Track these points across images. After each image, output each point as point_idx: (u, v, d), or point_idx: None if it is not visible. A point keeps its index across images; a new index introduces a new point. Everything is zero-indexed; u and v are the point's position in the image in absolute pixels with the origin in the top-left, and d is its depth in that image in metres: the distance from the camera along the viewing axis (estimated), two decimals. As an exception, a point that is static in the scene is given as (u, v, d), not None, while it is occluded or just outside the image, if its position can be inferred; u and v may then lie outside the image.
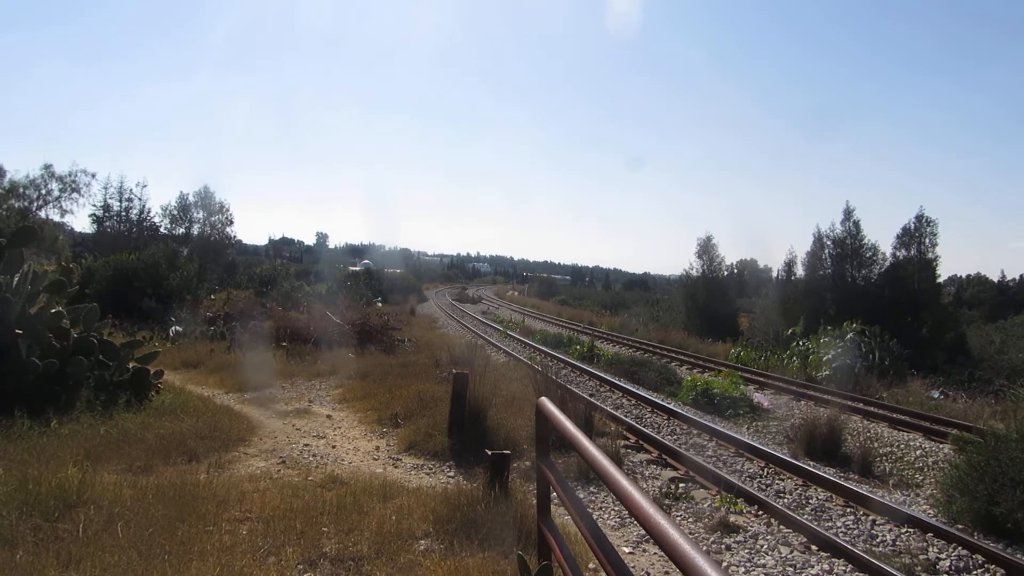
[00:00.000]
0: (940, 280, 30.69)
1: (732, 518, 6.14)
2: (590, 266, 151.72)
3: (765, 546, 5.61)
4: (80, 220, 72.40)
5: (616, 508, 6.21)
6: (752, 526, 6.06)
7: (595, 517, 4.52)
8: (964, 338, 27.44)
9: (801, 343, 19.81)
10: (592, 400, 10.79)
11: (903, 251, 28.97)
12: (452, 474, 6.83)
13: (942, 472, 7.93)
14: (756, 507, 6.56)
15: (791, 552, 5.51)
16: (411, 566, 4.02)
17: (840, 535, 5.99)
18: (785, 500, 7.00)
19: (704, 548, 5.36)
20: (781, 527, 6.08)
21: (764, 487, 7.42)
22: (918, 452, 9.55)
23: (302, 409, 9.48)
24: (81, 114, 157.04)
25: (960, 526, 6.50)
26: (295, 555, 4.03)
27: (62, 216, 39.14)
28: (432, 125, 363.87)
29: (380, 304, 30.17)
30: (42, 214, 37.68)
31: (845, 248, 29.41)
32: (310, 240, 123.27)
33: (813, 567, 5.23)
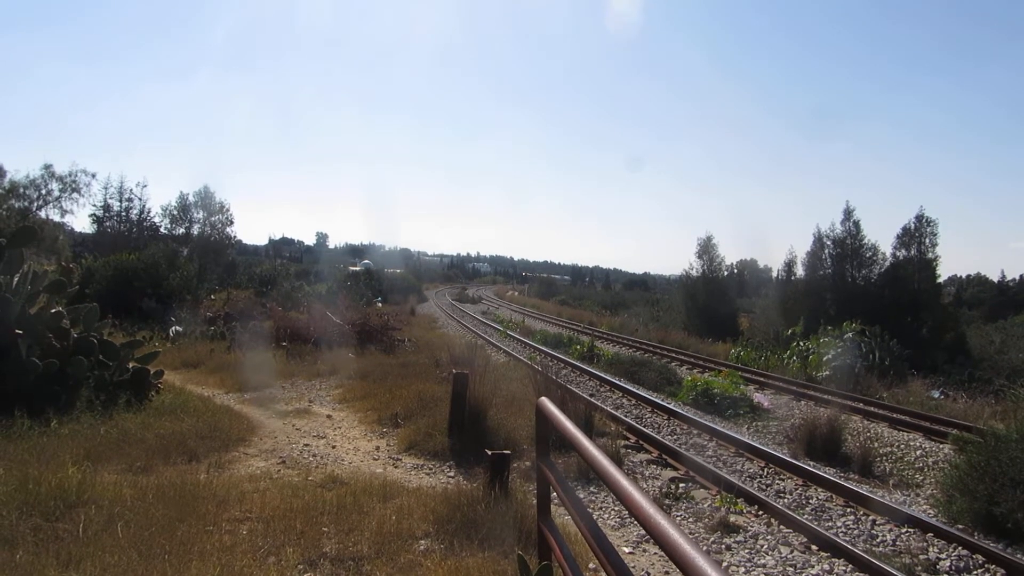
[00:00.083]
0: (940, 280, 30.72)
1: (732, 518, 6.14)
2: (590, 266, 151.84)
3: (765, 546, 5.61)
4: (80, 220, 72.54)
5: (616, 508, 6.21)
6: (752, 526, 6.06)
7: (595, 517, 4.52)
8: (964, 338, 27.45)
9: (801, 343, 19.81)
10: (592, 400, 10.79)
11: (903, 251, 28.99)
12: (452, 474, 6.83)
13: (942, 472, 7.93)
14: (756, 507, 6.56)
15: (791, 552, 5.51)
16: (411, 566, 4.02)
17: (840, 535, 5.99)
18: (785, 500, 7.00)
19: (704, 548, 5.36)
20: (781, 527, 6.08)
21: (764, 487, 7.42)
22: (918, 452, 9.55)
23: (302, 409, 9.48)
24: (81, 114, 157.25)
25: (960, 526, 6.50)
26: (295, 555, 4.03)
27: (62, 216, 39.22)
28: (432, 125, 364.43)
29: (380, 304, 30.16)
30: (42, 214, 37.74)
31: (845, 248, 29.41)
32: (310, 240, 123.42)
33: (813, 567, 5.23)
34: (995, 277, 59.00)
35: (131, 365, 8.40)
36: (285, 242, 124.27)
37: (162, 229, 42.37)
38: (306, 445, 7.52)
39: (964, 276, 59.52)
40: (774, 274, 36.62)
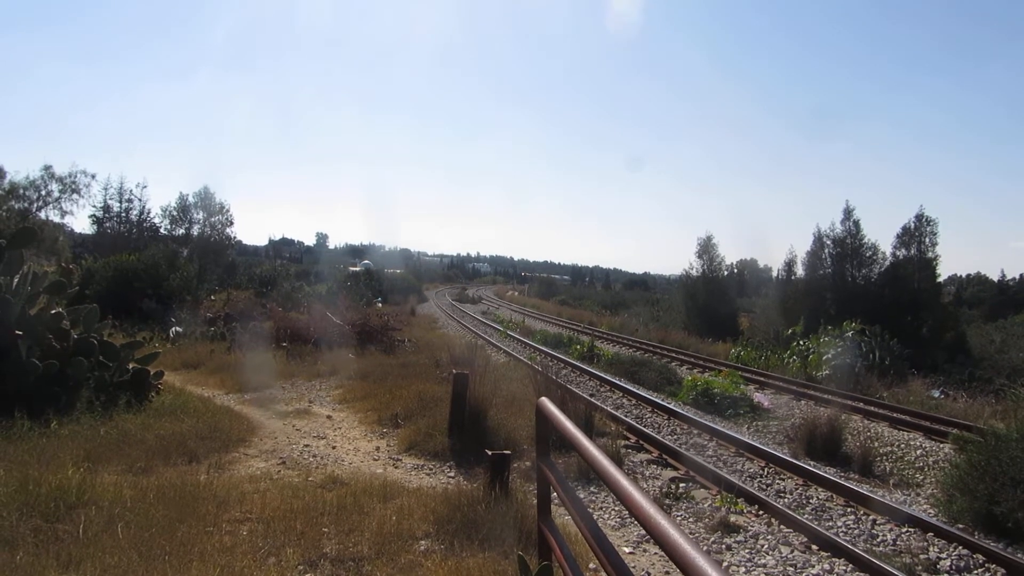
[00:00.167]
0: (940, 279, 30.73)
1: (732, 518, 6.13)
2: (590, 266, 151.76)
3: (766, 546, 5.61)
4: (80, 221, 72.56)
5: (616, 508, 6.21)
6: (753, 526, 6.06)
7: (595, 517, 4.52)
8: (964, 337, 27.47)
9: (801, 343, 19.80)
10: (592, 400, 10.79)
11: (903, 251, 29.00)
12: (452, 474, 6.83)
13: (943, 471, 7.93)
14: (757, 507, 6.56)
15: (792, 552, 5.50)
16: (412, 566, 4.02)
17: (841, 535, 5.99)
18: (785, 500, 7.00)
19: (704, 548, 5.36)
20: (782, 527, 6.08)
21: (764, 487, 7.42)
22: (918, 452, 9.54)
23: (302, 410, 9.48)
24: (81, 114, 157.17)
25: (961, 525, 6.50)
26: (295, 556, 4.03)
27: (62, 217, 39.22)
28: (432, 125, 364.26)
29: (380, 304, 30.16)
30: (42, 215, 37.74)
31: (845, 248, 29.42)
32: (310, 240, 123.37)
33: (814, 567, 5.23)
34: (995, 276, 59.12)
35: (131, 366, 8.40)
36: (285, 242, 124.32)
37: (162, 230, 42.46)
38: (306, 446, 7.52)
39: (964, 275, 59.64)
40: (774, 274, 36.73)
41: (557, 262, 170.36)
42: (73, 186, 38.46)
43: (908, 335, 22.42)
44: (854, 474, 8.49)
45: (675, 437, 9.57)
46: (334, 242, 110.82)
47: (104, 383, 7.94)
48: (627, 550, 5.26)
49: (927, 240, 28.73)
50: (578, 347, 20.07)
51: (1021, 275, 57.69)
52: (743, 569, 5.17)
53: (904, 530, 6.26)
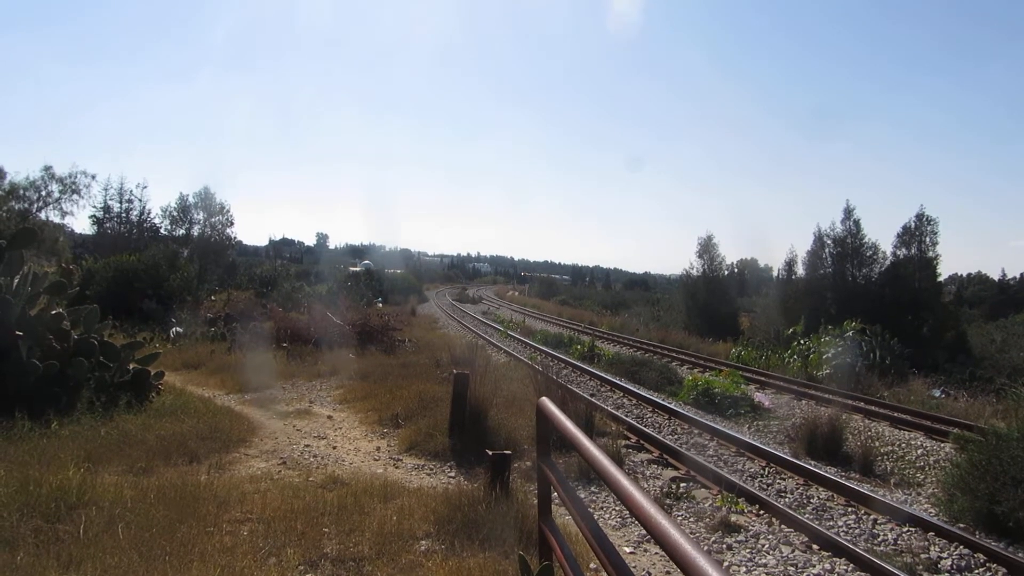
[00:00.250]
0: (941, 279, 30.67)
1: (733, 518, 6.13)
2: (590, 266, 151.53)
3: (766, 546, 5.61)
4: (80, 222, 72.42)
5: (617, 508, 6.21)
6: (753, 526, 6.06)
7: (596, 517, 4.51)
8: (965, 337, 27.43)
9: (802, 342, 19.79)
10: (593, 400, 10.78)
11: (903, 250, 28.97)
12: (453, 474, 6.83)
13: (943, 471, 7.92)
14: (757, 507, 6.56)
15: (792, 551, 5.50)
16: (412, 567, 4.02)
17: (841, 534, 5.99)
18: (786, 499, 7.00)
19: (705, 548, 5.36)
20: (782, 526, 6.08)
21: (765, 486, 7.42)
22: (919, 451, 9.54)
23: (303, 410, 9.48)
24: (81, 115, 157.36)
25: (962, 525, 6.49)
26: (296, 556, 4.03)
27: (62, 218, 39.15)
28: (432, 125, 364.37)
29: (380, 304, 30.17)
30: (42, 216, 37.69)
31: (845, 247, 29.39)
32: (310, 241, 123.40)
33: (815, 566, 5.23)
34: (996, 276, 59.09)
35: (132, 366, 8.40)
36: (285, 243, 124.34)
37: (162, 230, 42.39)
38: (307, 446, 7.52)
39: (965, 275, 59.63)
40: (775, 273, 36.76)
41: (557, 262, 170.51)
42: (73, 186, 38.44)
43: (909, 334, 22.41)
44: (855, 474, 8.48)
45: (676, 437, 9.57)
46: (334, 242, 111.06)
47: (104, 383, 7.94)
48: (628, 550, 5.25)
49: (927, 239, 28.72)
50: (578, 347, 20.07)
51: (1022, 274, 57.79)
52: (744, 569, 5.17)
53: (905, 529, 6.26)
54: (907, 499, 7.60)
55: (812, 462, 8.57)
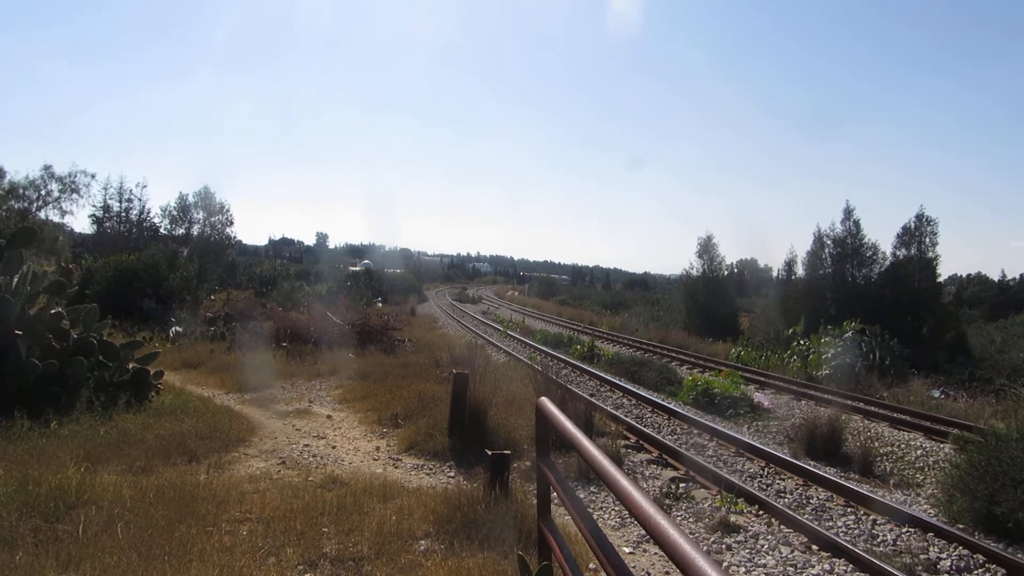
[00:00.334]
0: (940, 279, 30.71)
1: (733, 518, 6.13)
2: (590, 266, 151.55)
3: (766, 546, 5.61)
4: (80, 221, 72.34)
5: (616, 508, 6.21)
6: (753, 526, 6.06)
7: (595, 517, 4.52)
8: (965, 337, 27.45)
9: (801, 342, 19.79)
10: (592, 400, 10.78)
11: (903, 250, 28.99)
12: (452, 474, 6.83)
13: (943, 472, 7.93)
14: (757, 507, 6.56)
15: (792, 552, 5.50)
16: (412, 566, 4.01)
17: (841, 535, 5.99)
18: (786, 500, 7.00)
19: (704, 548, 5.36)
20: (782, 527, 6.08)
21: (765, 487, 7.42)
22: (919, 452, 9.54)
23: (302, 409, 9.48)
24: (81, 115, 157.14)
25: (961, 526, 6.49)
26: (295, 556, 4.03)
27: (62, 217, 39.17)
28: (432, 125, 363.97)
29: (380, 304, 30.16)
30: (42, 215, 37.71)
31: (845, 247, 29.41)
32: (310, 240, 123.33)
33: (814, 567, 5.23)
34: (995, 276, 59.11)
35: (131, 366, 8.40)
36: (285, 242, 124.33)
37: (162, 230, 42.37)
38: (306, 445, 7.52)
39: (964, 275, 59.60)
40: (774, 274, 36.73)
41: (557, 262, 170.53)
42: (73, 186, 38.46)
43: (908, 335, 22.42)
44: (854, 474, 8.48)
45: (675, 437, 9.57)
46: (334, 242, 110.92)
47: (104, 383, 7.94)
48: (627, 550, 5.25)
49: (927, 240, 28.74)
50: (578, 347, 20.07)
51: (1021, 275, 57.77)
52: (743, 569, 5.17)
53: (904, 530, 6.26)
54: (906, 500, 7.60)
55: (811, 462, 8.57)
